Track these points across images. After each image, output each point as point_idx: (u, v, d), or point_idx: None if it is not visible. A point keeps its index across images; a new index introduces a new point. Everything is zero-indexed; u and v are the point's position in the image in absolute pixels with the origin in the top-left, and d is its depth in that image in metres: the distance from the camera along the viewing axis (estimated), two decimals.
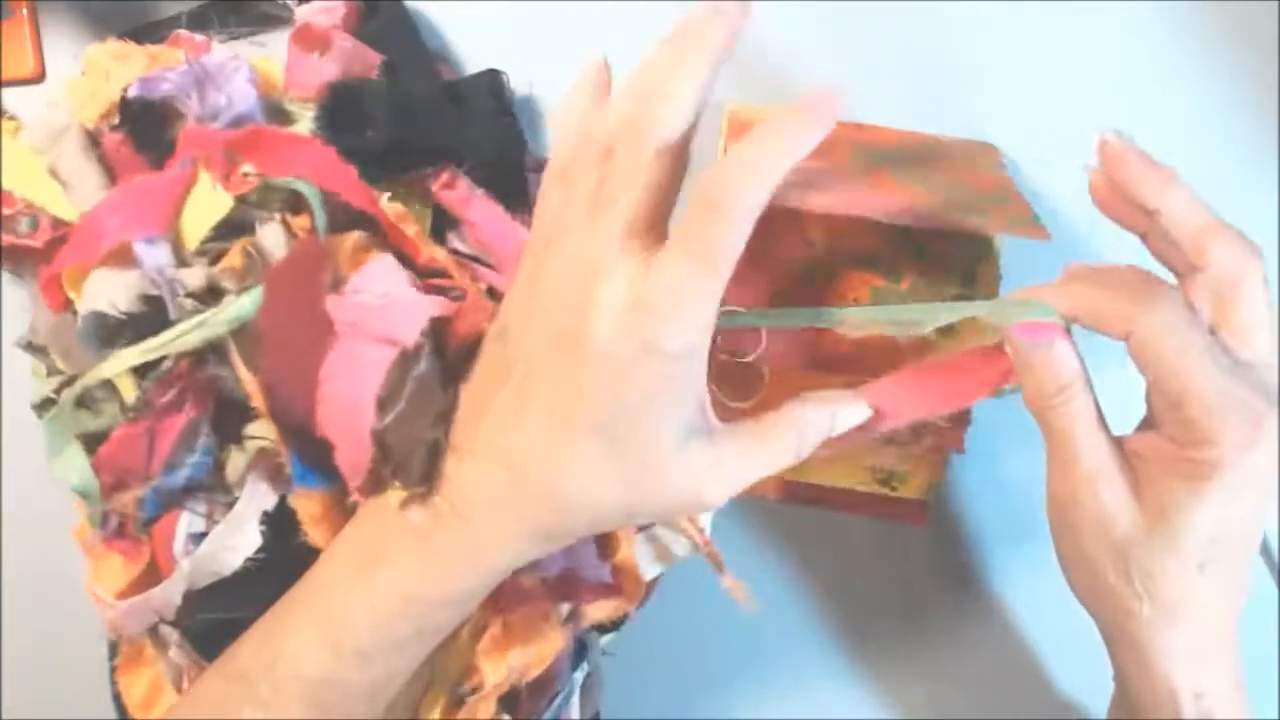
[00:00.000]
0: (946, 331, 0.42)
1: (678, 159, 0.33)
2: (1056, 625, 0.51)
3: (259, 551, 0.40)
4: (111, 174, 0.43)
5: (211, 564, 0.40)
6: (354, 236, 0.40)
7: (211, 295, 0.39)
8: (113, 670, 0.43)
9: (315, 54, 0.44)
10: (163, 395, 0.38)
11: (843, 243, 0.43)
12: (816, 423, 0.35)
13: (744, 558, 0.43)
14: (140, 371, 0.39)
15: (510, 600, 0.40)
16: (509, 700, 0.42)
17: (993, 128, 0.47)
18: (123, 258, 0.39)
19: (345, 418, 0.36)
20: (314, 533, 0.39)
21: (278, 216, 0.41)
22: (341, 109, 0.42)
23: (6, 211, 0.42)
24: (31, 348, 0.44)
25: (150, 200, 0.40)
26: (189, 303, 0.39)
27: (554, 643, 0.41)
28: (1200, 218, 0.34)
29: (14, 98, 0.48)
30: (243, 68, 0.43)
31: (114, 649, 0.43)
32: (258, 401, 0.38)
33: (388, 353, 0.35)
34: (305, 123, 0.42)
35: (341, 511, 0.39)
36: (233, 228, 0.40)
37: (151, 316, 0.39)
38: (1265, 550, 0.49)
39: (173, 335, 0.38)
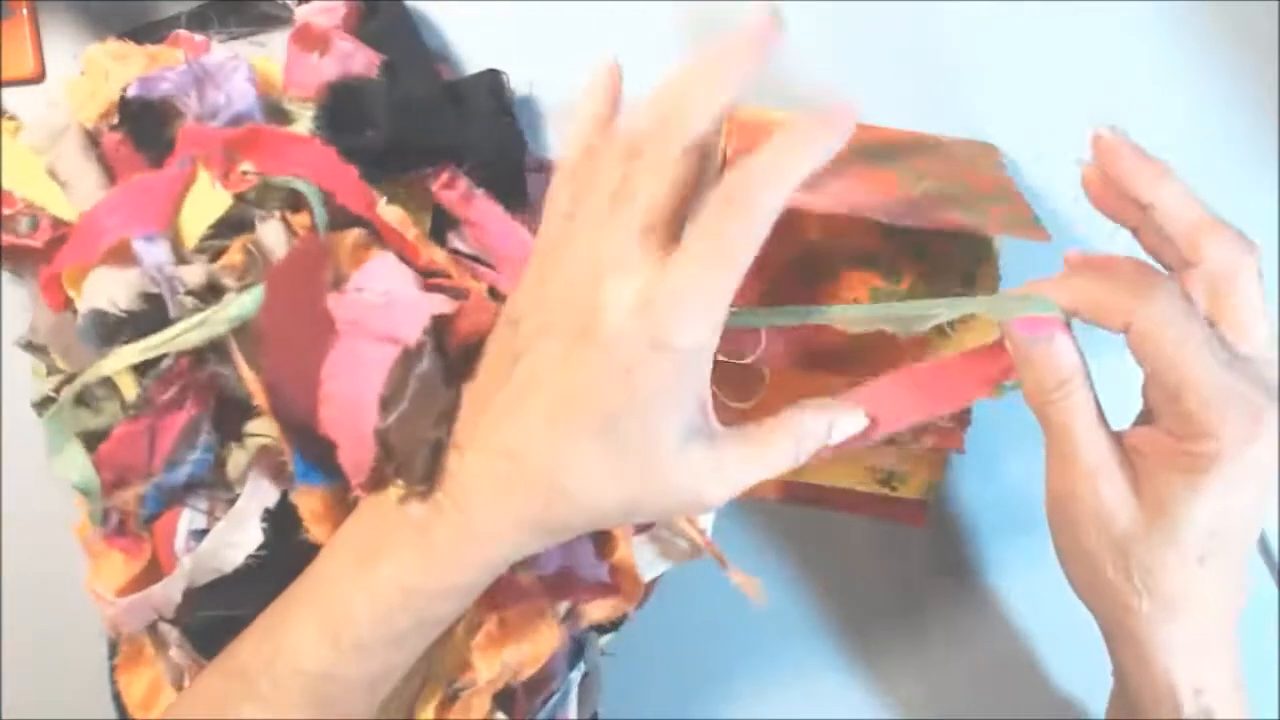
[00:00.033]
0: (946, 330, 0.42)
1: (700, 161, 0.33)
2: (1056, 624, 0.51)
3: (260, 548, 0.40)
4: (111, 174, 0.43)
5: (213, 561, 0.40)
6: (354, 234, 0.40)
7: (212, 293, 0.39)
8: (112, 670, 0.43)
9: (314, 54, 0.44)
10: (164, 393, 0.38)
11: (842, 242, 0.43)
12: (815, 430, 0.35)
13: (744, 558, 0.43)
14: (140, 369, 0.39)
15: (507, 597, 0.40)
16: (505, 699, 0.42)
17: (993, 128, 0.47)
18: (122, 256, 0.39)
19: (348, 417, 0.36)
20: (315, 529, 0.39)
21: (277, 214, 0.41)
22: (341, 109, 0.42)
23: (6, 211, 0.42)
24: (31, 347, 0.44)
25: (149, 198, 0.40)
26: (189, 300, 0.39)
27: (549, 641, 0.41)
28: (1194, 213, 0.34)
29: (14, 98, 0.48)
30: (242, 67, 0.43)
31: (114, 648, 0.43)
32: (260, 400, 0.38)
33: (390, 351, 0.35)
34: (305, 122, 0.42)
35: (343, 508, 0.39)
36: (232, 225, 0.40)
37: (151, 314, 0.39)
38: (1265, 550, 0.49)
39: (174, 333, 0.38)
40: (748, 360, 0.42)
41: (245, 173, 0.40)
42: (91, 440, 0.40)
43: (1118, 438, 0.36)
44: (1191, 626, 0.35)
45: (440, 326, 0.36)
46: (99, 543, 0.41)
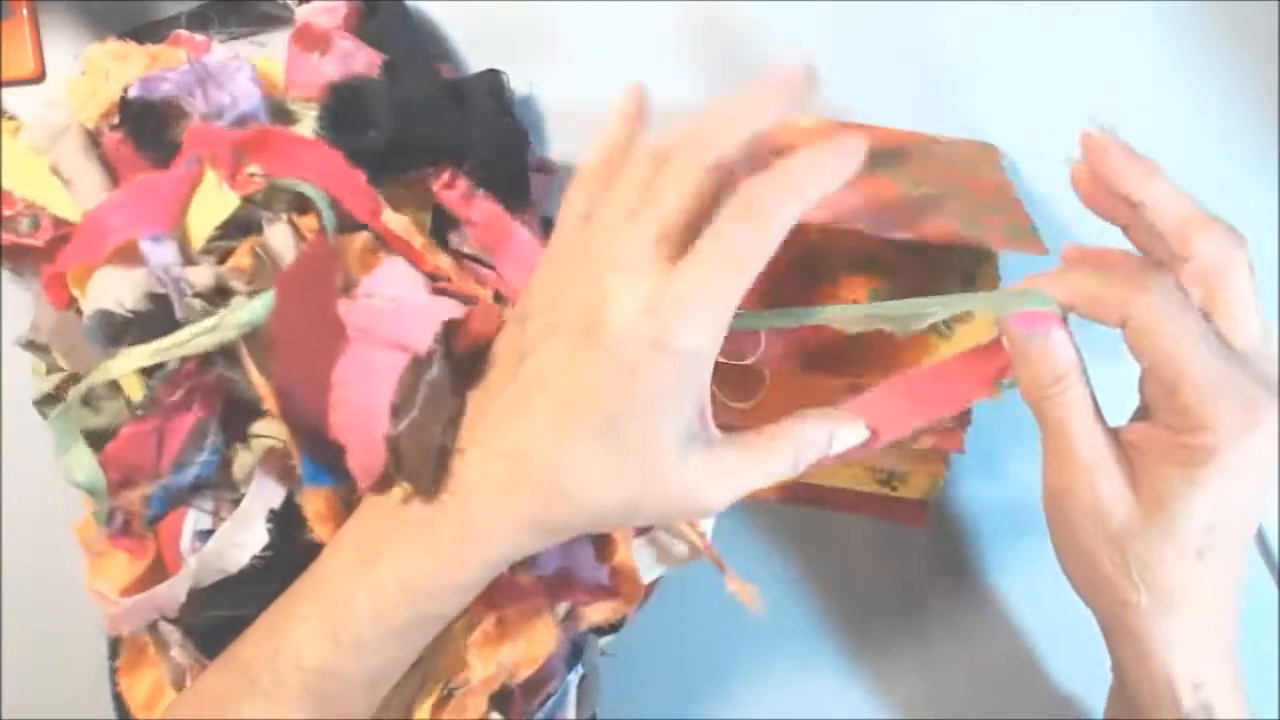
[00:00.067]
0: (942, 329, 0.42)
1: (724, 180, 0.34)
2: (1056, 623, 0.51)
3: (265, 549, 0.40)
4: (112, 173, 0.43)
5: (218, 561, 0.40)
6: (362, 237, 0.40)
7: (219, 295, 0.39)
8: (114, 671, 0.43)
9: (315, 54, 0.44)
10: (171, 394, 0.38)
11: (841, 244, 0.43)
12: (815, 439, 0.36)
13: (745, 558, 0.43)
14: (147, 370, 0.39)
15: (506, 596, 0.40)
16: (502, 700, 0.42)
17: (993, 128, 0.47)
18: (128, 256, 0.39)
19: (359, 423, 0.36)
20: (320, 529, 0.40)
21: (284, 217, 0.41)
22: (343, 109, 0.42)
23: (7, 212, 0.42)
24: (32, 346, 0.44)
25: (156, 198, 0.40)
26: (197, 303, 0.39)
27: (546, 642, 0.41)
28: (1184, 208, 0.34)
29: (14, 98, 0.48)
30: (245, 67, 0.42)
31: (114, 649, 0.43)
32: (270, 404, 0.38)
33: (400, 358, 0.36)
34: (308, 123, 0.42)
35: (347, 508, 0.40)
36: (238, 227, 0.40)
37: (158, 314, 0.39)
38: (1265, 550, 0.49)
39: (185, 338, 0.38)
40: (748, 361, 0.42)
41: (253, 175, 0.40)
42: (92, 438, 0.40)
43: (1114, 434, 0.36)
44: (1190, 621, 0.35)
45: (449, 331, 0.36)
46: (103, 542, 0.41)
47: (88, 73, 0.44)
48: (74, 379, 0.42)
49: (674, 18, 0.48)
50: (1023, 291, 0.35)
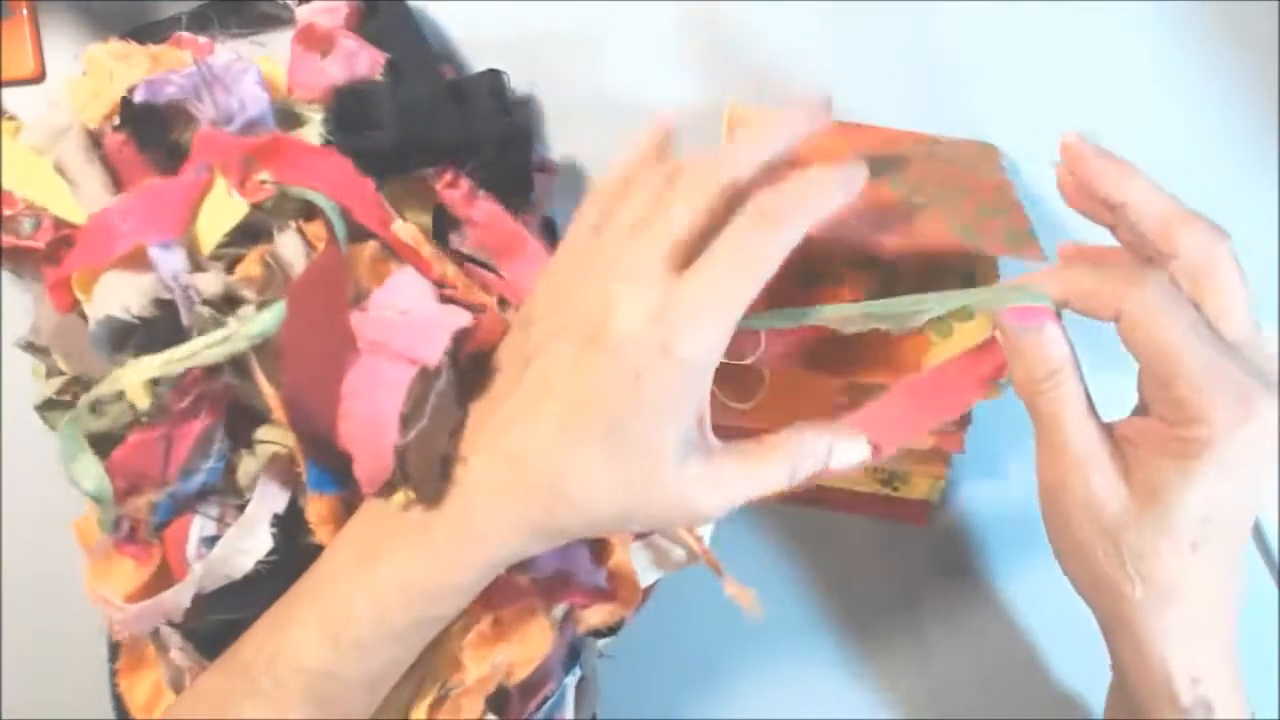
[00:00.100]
0: (943, 327, 0.42)
1: (735, 202, 0.34)
2: (1058, 622, 0.51)
3: (269, 553, 0.40)
4: (115, 174, 0.43)
5: (224, 567, 0.40)
6: (371, 246, 0.40)
7: (228, 303, 0.39)
8: (113, 673, 0.43)
9: (318, 54, 0.44)
10: (179, 402, 0.38)
11: (841, 245, 0.43)
12: (813, 453, 0.36)
13: (745, 558, 0.43)
14: (154, 377, 0.39)
15: (502, 597, 0.40)
16: (499, 701, 0.42)
17: (993, 128, 0.47)
18: (135, 261, 0.39)
19: (368, 433, 0.36)
20: (322, 532, 0.40)
21: (293, 225, 0.41)
22: (348, 112, 0.42)
23: (7, 212, 0.42)
24: (32, 348, 0.44)
25: (165, 205, 0.40)
26: (205, 311, 0.39)
27: (542, 644, 0.41)
28: (1165, 207, 0.35)
29: (14, 98, 0.48)
30: (251, 70, 0.42)
31: (114, 650, 0.43)
32: (279, 413, 0.38)
33: (410, 370, 0.36)
34: (314, 126, 0.42)
35: (349, 511, 0.40)
36: (247, 233, 0.41)
37: (164, 320, 0.39)
38: (1265, 550, 0.49)
39: (196, 349, 0.38)
40: (748, 361, 0.42)
41: (263, 182, 0.40)
42: (95, 442, 0.40)
43: (1109, 428, 0.36)
44: (1186, 614, 0.35)
45: (457, 340, 0.37)
46: (108, 548, 0.41)
47: (90, 73, 0.44)
48: (75, 382, 0.42)
49: (674, 18, 0.48)
50: (1017, 287, 0.36)
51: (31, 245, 0.42)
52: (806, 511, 0.50)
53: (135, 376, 0.38)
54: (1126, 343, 0.34)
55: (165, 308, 0.39)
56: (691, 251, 0.34)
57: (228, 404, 0.40)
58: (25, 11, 0.47)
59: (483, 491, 0.35)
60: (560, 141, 0.49)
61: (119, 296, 0.39)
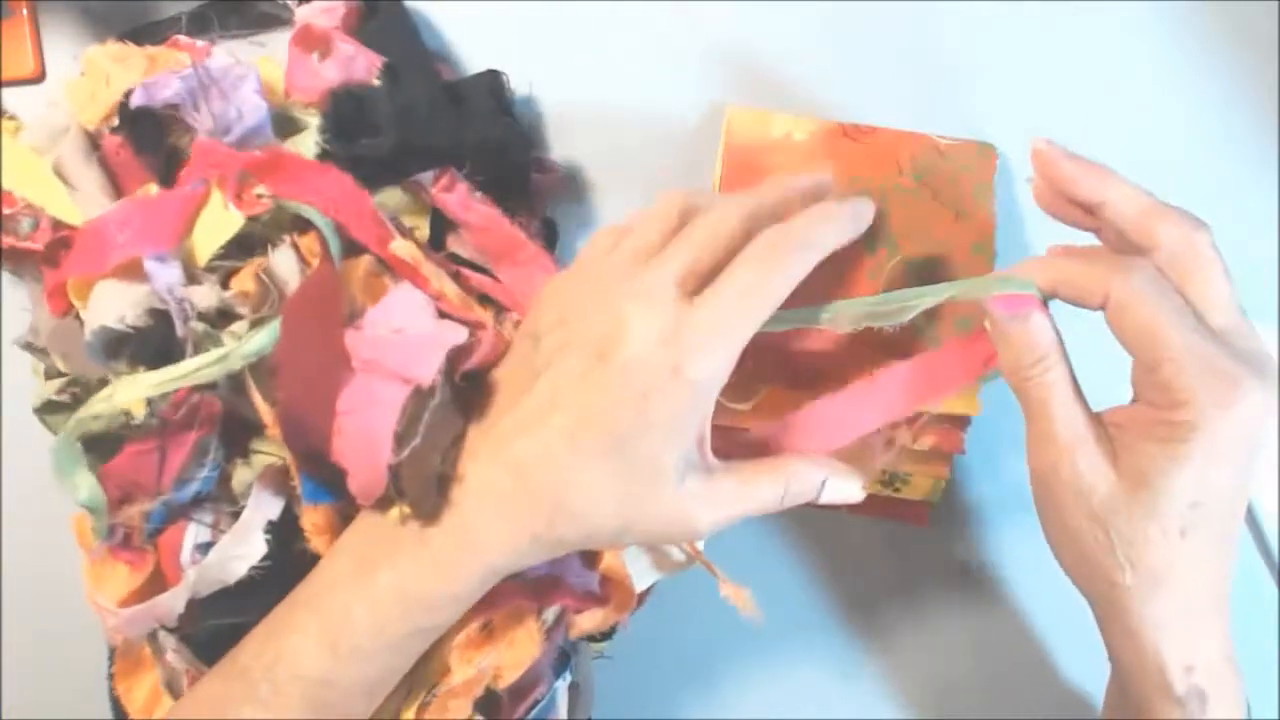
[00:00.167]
0: (932, 342, 0.43)
1: (749, 237, 0.36)
2: (1059, 621, 0.51)
3: (263, 559, 0.40)
4: (113, 176, 0.43)
5: (218, 574, 0.40)
6: (365, 261, 0.40)
7: (222, 318, 0.40)
8: (112, 675, 0.43)
9: (315, 55, 0.44)
10: (174, 414, 0.39)
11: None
12: (808, 483, 0.37)
13: (746, 558, 0.43)
14: None
15: (492, 598, 0.40)
16: (488, 704, 0.42)
17: (993, 128, 0.47)
18: (130, 271, 0.39)
19: (362, 449, 0.36)
20: (317, 540, 0.40)
21: (287, 239, 0.41)
22: (345, 118, 0.42)
23: (7, 211, 0.42)
24: (31, 348, 0.44)
25: (161, 216, 0.40)
26: (200, 327, 0.39)
27: (530, 648, 0.41)
28: (1142, 202, 0.35)
29: (14, 98, 0.48)
30: (250, 76, 0.42)
31: (114, 652, 0.43)
32: (274, 431, 0.38)
33: (404, 390, 0.36)
34: (312, 132, 0.42)
35: (344, 521, 0.40)
36: (242, 245, 0.41)
37: (158, 330, 0.39)
38: (1265, 550, 0.49)
39: (192, 368, 0.38)
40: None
41: (260, 195, 0.40)
42: (89, 444, 0.40)
43: (1097, 415, 0.36)
44: (1178, 601, 0.35)
45: (453, 357, 0.37)
46: (103, 554, 0.41)
47: (87, 75, 0.44)
48: (73, 384, 0.42)
49: (673, 18, 0.48)
50: (1004, 277, 0.36)
51: (30, 247, 0.42)
52: (808, 511, 0.50)
53: (131, 394, 0.38)
54: (1113, 329, 0.34)
55: (159, 318, 0.39)
56: (703, 280, 0.35)
57: (223, 414, 0.40)
58: (25, 11, 0.47)
59: (483, 501, 0.35)
60: (560, 141, 0.49)
61: (114, 307, 0.39)
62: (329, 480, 0.37)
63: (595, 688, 0.49)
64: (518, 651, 0.41)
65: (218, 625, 0.40)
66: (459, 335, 0.37)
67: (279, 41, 0.46)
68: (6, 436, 0.49)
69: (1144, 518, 0.34)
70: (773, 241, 0.35)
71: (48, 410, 0.43)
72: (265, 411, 0.38)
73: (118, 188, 0.43)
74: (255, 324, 0.39)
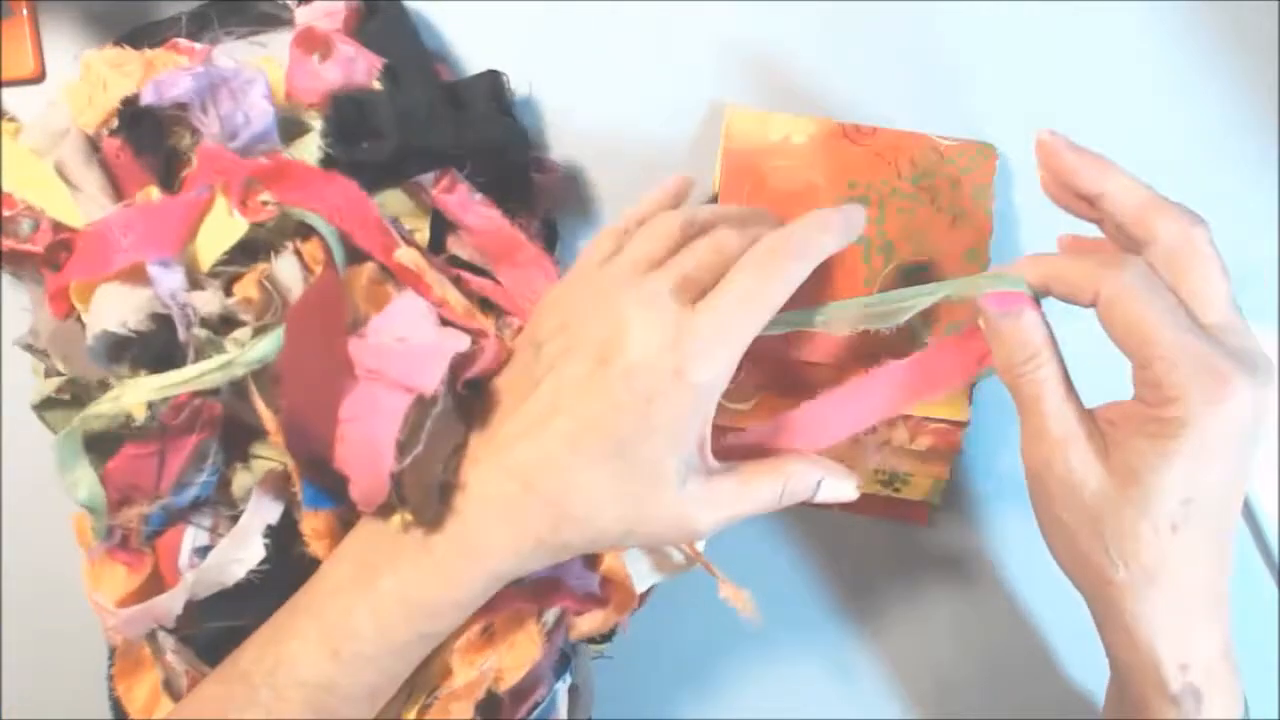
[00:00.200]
0: (926, 328, 0.43)
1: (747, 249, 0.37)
2: (1060, 621, 0.51)
3: (262, 563, 0.40)
4: (113, 178, 0.43)
5: (217, 576, 0.40)
6: (369, 268, 0.40)
7: (225, 324, 0.40)
8: (111, 676, 0.43)
9: (314, 56, 0.44)
10: (174, 418, 0.39)
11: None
12: (804, 483, 0.38)
13: (747, 558, 0.43)
14: None
15: (493, 602, 0.40)
16: (489, 706, 0.42)
17: (993, 128, 0.47)
18: (133, 275, 0.40)
19: (365, 458, 0.36)
20: (316, 545, 0.40)
21: (290, 246, 0.41)
22: (346, 122, 0.42)
23: (6, 213, 0.42)
24: (32, 350, 0.44)
25: (165, 222, 0.40)
26: (203, 333, 0.39)
27: (531, 651, 0.41)
28: (1141, 195, 0.36)
29: (14, 98, 0.48)
30: (259, 81, 0.42)
31: (114, 652, 0.43)
32: (275, 437, 0.38)
33: (407, 398, 0.36)
34: (314, 136, 0.42)
35: (344, 527, 0.40)
36: (245, 250, 0.41)
37: (160, 334, 0.39)
38: (1265, 550, 0.49)
39: (196, 373, 0.38)
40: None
41: (265, 202, 0.40)
42: (90, 442, 0.40)
43: (1091, 413, 0.36)
44: (1172, 598, 0.35)
45: (455, 366, 0.37)
46: (101, 555, 0.41)
47: (84, 79, 0.44)
48: (73, 383, 0.42)
49: (673, 18, 0.48)
50: (996, 275, 0.37)
51: (30, 249, 0.42)
52: (808, 511, 0.50)
53: (133, 398, 0.38)
54: (1104, 325, 0.34)
55: (162, 322, 0.39)
56: (703, 290, 0.36)
57: (223, 418, 0.40)
58: (25, 11, 0.47)
59: (486, 507, 0.36)
60: (560, 142, 0.49)
61: (116, 311, 0.39)
62: (330, 487, 0.38)
63: (595, 689, 0.49)
64: (518, 653, 0.41)
65: (218, 628, 0.40)
66: (461, 343, 0.37)
67: (279, 42, 0.46)
68: (6, 437, 0.49)
69: (1135, 514, 0.34)
70: (772, 248, 0.36)
71: (46, 407, 0.43)
72: (268, 418, 0.38)
73: (118, 189, 0.42)
74: (258, 331, 0.39)
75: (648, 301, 0.35)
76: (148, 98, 0.42)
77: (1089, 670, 0.49)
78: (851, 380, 0.40)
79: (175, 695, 0.42)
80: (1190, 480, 0.34)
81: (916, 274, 0.45)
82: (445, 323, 0.40)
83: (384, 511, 0.37)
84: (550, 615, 0.42)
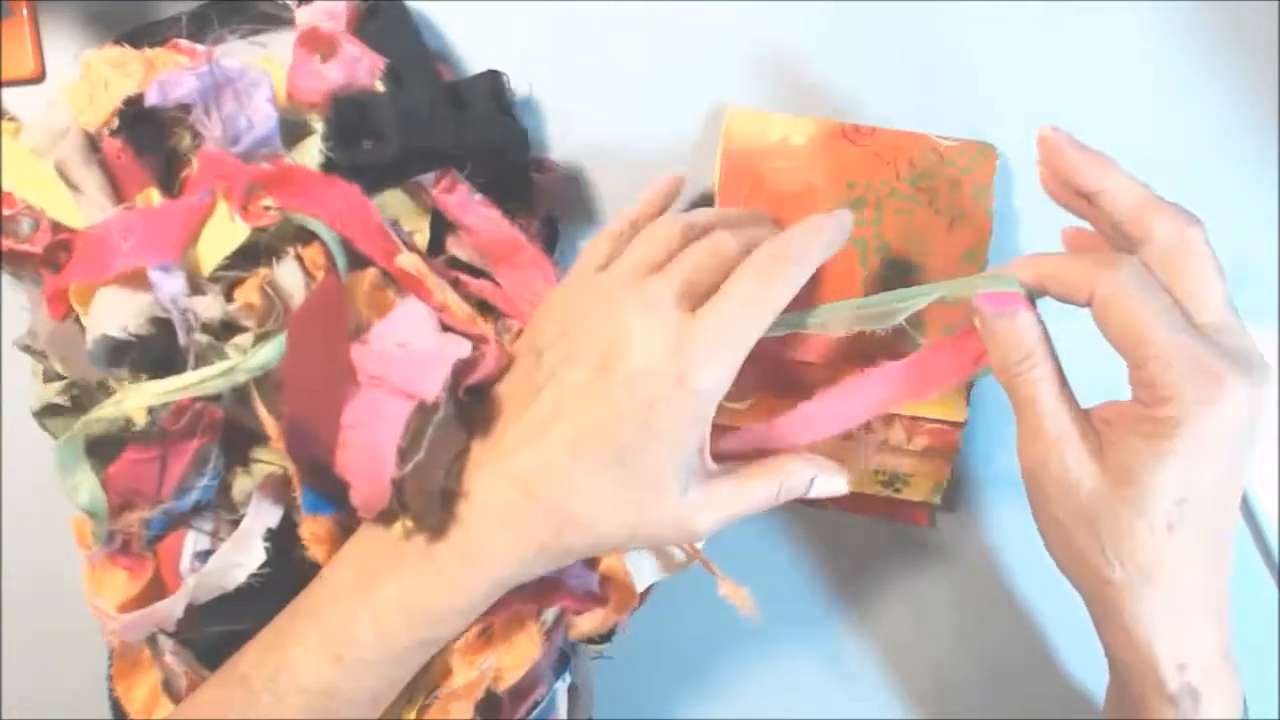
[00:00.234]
0: (921, 329, 0.43)
1: (745, 255, 0.37)
2: (1061, 621, 0.51)
3: (263, 567, 0.40)
4: (113, 178, 0.42)
5: (218, 581, 0.40)
6: (370, 274, 0.41)
7: (226, 329, 0.40)
8: (111, 677, 0.43)
9: (316, 56, 0.44)
10: (175, 423, 0.39)
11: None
12: (798, 480, 0.38)
13: (748, 558, 0.43)
14: None
15: (493, 605, 0.40)
16: (489, 706, 0.42)
17: (993, 128, 0.47)
18: (133, 278, 0.40)
19: (366, 464, 0.36)
20: (316, 549, 0.40)
21: (292, 251, 0.41)
22: (347, 124, 0.42)
23: (7, 212, 0.42)
24: (30, 350, 0.44)
25: (166, 227, 0.40)
26: (204, 339, 0.39)
27: (530, 650, 0.41)
28: (1138, 194, 0.36)
29: (14, 98, 0.48)
30: (264, 84, 0.42)
31: (114, 653, 0.43)
32: (277, 443, 0.38)
33: (409, 405, 0.36)
34: (316, 139, 0.42)
35: (344, 532, 0.40)
36: (247, 254, 0.41)
37: (161, 338, 0.39)
38: (1265, 550, 0.49)
39: (198, 379, 0.38)
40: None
41: (267, 207, 0.41)
42: (92, 446, 0.40)
43: (1086, 413, 0.36)
44: (1169, 598, 0.35)
45: (456, 372, 0.37)
46: (102, 559, 0.41)
47: (85, 79, 0.44)
48: (73, 386, 0.42)
49: (674, 18, 0.48)
50: (991, 275, 0.37)
51: (29, 250, 0.42)
52: (809, 511, 0.50)
53: (135, 404, 0.38)
54: (1099, 324, 0.35)
55: (162, 326, 0.39)
56: (702, 297, 0.36)
57: (224, 422, 0.40)
58: (25, 11, 0.47)
59: (489, 514, 0.36)
60: (560, 142, 0.49)
61: (116, 316, 0.39)
62: (331, 492, 0.38)
63: (595, 688, 0.49)
64: (518, 653, 0.41)
65: (218, 631, 0.40)
66: (462, 349, 0.37)
67: (279, 42, 0.46)
68: (6, 437, 0.49)
69: (1131, 514, 0.34)
70: (772, 254, 0.36)
71: (47, 414, 0.43)
72: (270, 423, 0.39)
73: (118, 190, 0.42)
74: (260, 337, 0.39)
75: (648, 306, 0.35)
76: (152, 98, 0.42)
77: (1089, 670, 0.49)
78: (847, 380, 0.40)
79: (174, 696, 0.42)
80: (1185, 480, 0.34)
81: (913, 278, 0.45)
82: (446, 328, 0.40)
83: (385, 518, 0.37)
84: (549, 614, 0.42)
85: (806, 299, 0.38)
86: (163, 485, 0.39)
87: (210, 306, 0.39)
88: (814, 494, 0.39)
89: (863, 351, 0.42)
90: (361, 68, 0.44)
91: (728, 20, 0.48)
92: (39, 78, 0.48)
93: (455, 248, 0.44)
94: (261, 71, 0.43)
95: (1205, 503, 0.34)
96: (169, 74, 0.42)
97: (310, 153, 0.42)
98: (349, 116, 0.42)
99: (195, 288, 0.40)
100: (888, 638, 0.52)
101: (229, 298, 0.40)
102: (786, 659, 0.52)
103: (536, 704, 0.43)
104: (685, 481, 0.36)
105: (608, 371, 0.35)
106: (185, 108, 0.42)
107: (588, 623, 0.43)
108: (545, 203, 0.48)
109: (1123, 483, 0.34)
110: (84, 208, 0.42)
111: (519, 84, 0.47)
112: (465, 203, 0.43)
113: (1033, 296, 0.36)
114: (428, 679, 0.41)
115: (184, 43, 0.45)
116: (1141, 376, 0.34)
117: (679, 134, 0.48)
